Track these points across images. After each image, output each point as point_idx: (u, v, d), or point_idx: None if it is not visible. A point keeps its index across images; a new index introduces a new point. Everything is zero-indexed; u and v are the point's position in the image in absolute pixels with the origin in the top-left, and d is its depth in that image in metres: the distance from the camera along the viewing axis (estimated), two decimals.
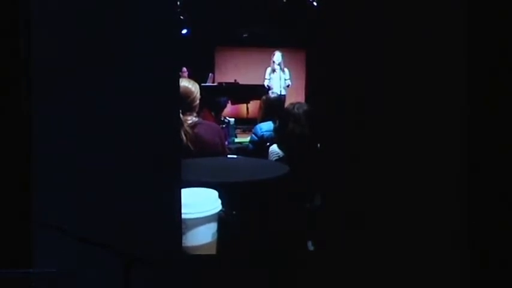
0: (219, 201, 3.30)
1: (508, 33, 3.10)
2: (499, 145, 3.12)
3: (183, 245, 3.16)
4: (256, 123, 5.72)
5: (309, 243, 3.75)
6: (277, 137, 4.74)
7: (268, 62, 10.20)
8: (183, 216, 3.12)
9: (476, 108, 3.13)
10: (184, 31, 9.81)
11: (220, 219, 3.30)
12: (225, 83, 9.12)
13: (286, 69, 10.07)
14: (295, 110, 4.42)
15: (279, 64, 9.95)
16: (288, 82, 10.05)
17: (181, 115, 4.08)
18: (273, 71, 10.04)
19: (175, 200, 3.09)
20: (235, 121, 7.14)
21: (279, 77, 9.89)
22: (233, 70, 11.29)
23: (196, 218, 3.20)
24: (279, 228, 3.56)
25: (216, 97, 7.21)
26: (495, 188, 3.13)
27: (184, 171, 3.14)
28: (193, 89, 4.30)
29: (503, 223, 3.10)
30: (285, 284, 3.17)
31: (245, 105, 8.73)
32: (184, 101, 4.16)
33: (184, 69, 9.94)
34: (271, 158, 4.54)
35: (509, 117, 3.11)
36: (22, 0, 2.96)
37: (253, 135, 5.43)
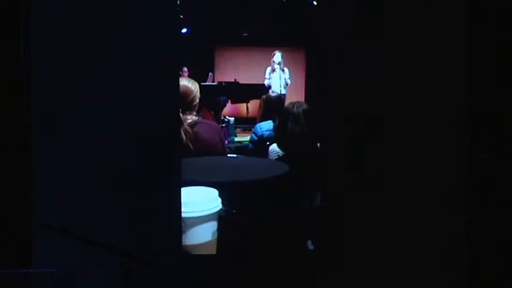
0: (219, 200, 3.30)
1: (508, 33, 3.10)
2: (499, 145, 3.12)
3: (183, 243, 3.16)
4: (256, 123, 5.74)
5: (309, 243, 3.76)
6: (276, 136, 4.76)
7: (268, 61, 10.26)
8: (183, 215, 3.12)
9: (476, 109, 3.13)
10: (184, 30, 9.83)
11: (221, 218, 3.30)
12: (225, 82, 9.17)
13: (286, 69, 10.12)
14: (295, 109, 4.43)
15: (278, 64, 10.01)
16: (288, 81, 10.09)
17: (180, 114, 4.08)
18: (273, 70, 10.10)
19: (175, 199, 3.08)
20: (235, 120, 7.18)
21: (278, 76, 9.97)
22: (233, 69, 11.33)
23: (197, 217, 3.19)
24: (279, 227, 3.57)
25: (215, 96, 7.24)
26: (495, 188, 3.13)
27: (184, 171, 3.14)
28: (192, 88, 4.31)
29: (504, 223, 3.11)
30: (285, 284, 3.17)
31: (245, 104, 8.78)
32: (184, 100, 4.17)
33: (185, 69, 9.97)
34: (271, 157, 4.56)
35: (510, 117, 3.11)
36: (22, 0, 2.95)
37: (253, 135, 5.45)
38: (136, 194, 3.05)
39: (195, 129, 4.18)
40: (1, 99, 2.94)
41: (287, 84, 9.95)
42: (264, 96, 6.21)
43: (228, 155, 4.83)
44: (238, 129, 7.63)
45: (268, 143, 4.89)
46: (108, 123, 3.02)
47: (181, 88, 3.99)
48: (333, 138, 3.28)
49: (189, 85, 4.26)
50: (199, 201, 3.24)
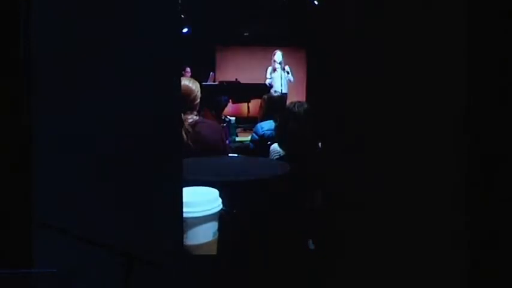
0: (220, 200, 3.30)
1: (508, 34, 3.10)
2: (499, 145, 3.12)
3: (184, 244, 3.17)
4: (257, 122, 5.74)
5: (310, 242, 3.76)
6: (277, 135, 4.76)
7: (269, 61, 10.26)
8: (184, 215, 3.12)
9: (476, 109, 3.14)
10: (184, 30, 9.84)
11: (221, 218, 3.30)
12: (226, 82, 9.17)
13: (287, 67, 10.11)
14: (296, 108, 4.43)
15: (279, 63, 10.01)
16: (291, 77, 10.09)
17: (182, 114, 4.08)
18: (274, 70, 10.09)
19: (176, 199, 3.09)
20: (236, 120, 7.18)
21: (279, 76, 9.96)
22: (234, 69, 11.32)
23: (198, 217, 3.20)
24: (279, 227, 3.56)
25: (216, 96, 7.24)
26: (495, 188, 3.13)
27: (185, 170, 3.14)
28: (193, 87, 4.31)
29: (504, 223, 3.11)
30: (285, 284, 3.17)
31: (246, 104, 8.78)
32: (185, 100, 4.17)
33: (188, 69, 9.97)
34: (272, 157, 4.55)
35: (510, 117, 3.11)
36: (22, 0, 2.95)
37: (254, 134, 5.45)
38: (136, 194, 3.05)
39: (196, 128, 4.18)
40: (1, 99, 2.94)
41: (290, 76, 9.95)
42: (265, 96, 6.21)
43: (229, 155, 4.83)
44: (239, 128, 7.64)
45: (269, 142, 4.89)
46: (108, 123, 3.02)
47: (182, 88, 3.99)
48: (333, 138, 3.28)
49: (190, 85, 4.26)
50: (200, 201, 3.25)
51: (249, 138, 5.85)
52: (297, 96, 9.36)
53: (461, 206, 3.14)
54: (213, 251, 3.26)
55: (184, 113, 4.16)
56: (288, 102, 5.64)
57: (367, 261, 3.16)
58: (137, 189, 3.05)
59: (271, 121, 5.31)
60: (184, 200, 3.10)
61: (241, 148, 6.11)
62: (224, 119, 6.94)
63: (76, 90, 3.01)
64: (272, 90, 9.34)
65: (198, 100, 4.30)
